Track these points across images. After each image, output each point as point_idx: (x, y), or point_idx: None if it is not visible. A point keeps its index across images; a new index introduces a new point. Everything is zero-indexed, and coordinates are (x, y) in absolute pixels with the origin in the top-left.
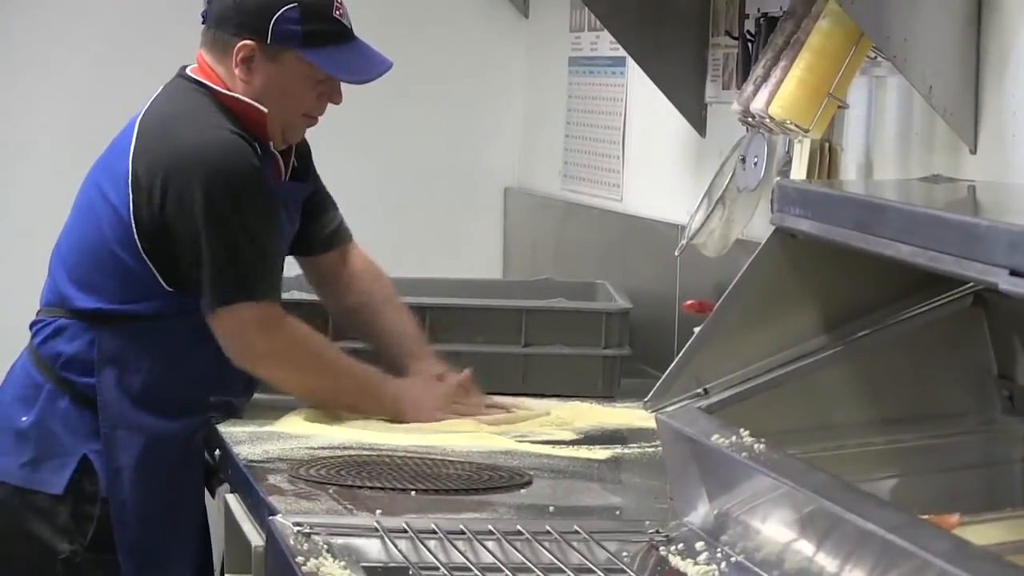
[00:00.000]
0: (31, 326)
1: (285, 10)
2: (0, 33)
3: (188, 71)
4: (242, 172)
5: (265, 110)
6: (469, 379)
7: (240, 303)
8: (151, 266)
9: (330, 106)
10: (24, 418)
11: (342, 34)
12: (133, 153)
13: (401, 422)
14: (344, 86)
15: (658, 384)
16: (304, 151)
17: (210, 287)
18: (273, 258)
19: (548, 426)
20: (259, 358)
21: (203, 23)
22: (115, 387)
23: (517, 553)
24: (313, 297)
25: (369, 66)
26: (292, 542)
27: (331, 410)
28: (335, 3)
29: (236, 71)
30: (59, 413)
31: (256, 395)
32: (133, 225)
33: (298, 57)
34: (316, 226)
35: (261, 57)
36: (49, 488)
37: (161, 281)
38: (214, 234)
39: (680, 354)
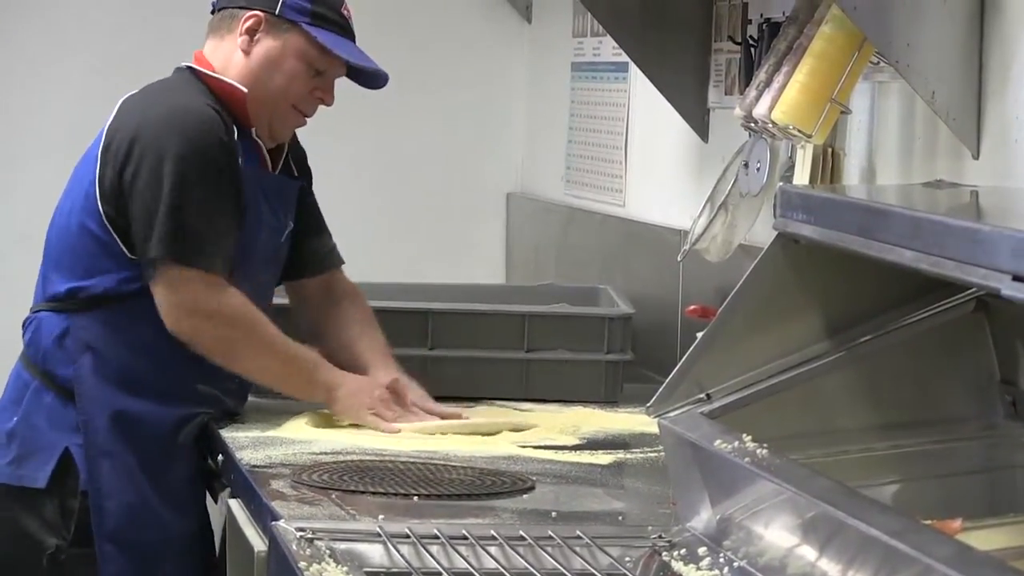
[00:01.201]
0: (22, 325)
1: None
2: (1, 38)
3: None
4: (208, 141)
5: (245, 90)
6: (404, 384)
7: (184, 265)
8: (113, 233)
9: (335, 111)
10: (14, 418)
11: (346, 30)
12: (108, 128)
13: (330, 411)
14: (346, 93)
15: (661, 389)
16: (300, 155)
17: (158, 243)
18: (225, 234)
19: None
20: (189, 315)
21: (212, 13)
22: (92, 373)
23: (520, 558)
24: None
25: (368, 62)
26: (295, 547)
27: (263, 385)
28: (344, 2)
29: (239, 41)
30: (44, 408)
31: (259, 400)
32: (97, 190)
33: (302, 34)
34: (308, 249)
35: (266, 28)
36: (32, 483)
37: (123, 249)
38: (171, 196)
39: (683, 359)
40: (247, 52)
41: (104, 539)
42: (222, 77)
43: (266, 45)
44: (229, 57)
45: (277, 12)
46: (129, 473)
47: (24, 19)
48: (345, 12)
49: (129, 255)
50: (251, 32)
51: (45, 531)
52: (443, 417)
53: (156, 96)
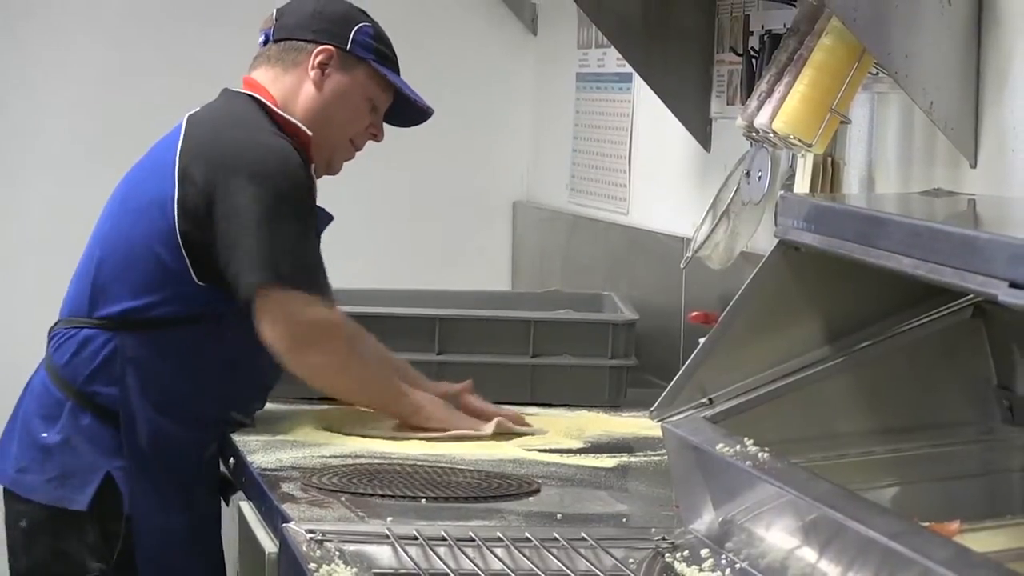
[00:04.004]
0: (51, 337)
1: (363, 24)
2: (14, 45)
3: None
4: (302, 178)
5: (310, 133)
6: (464, 393)
7: (295, 289)
8: (185, 257)
9: None
10: (46, 435)
11: (397, 67)
12: (181, 148)
13: (412, 422)
14: None
15: (664, 394)
16: None
17: (267, 269)
18: (321, 261)
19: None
20: (303, 338)
21: (264, 43)
22: (136, 394)
23: (525, 560)
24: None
25: (421, 102)
26: (305, 549)
27: (347, 406)
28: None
29: (311, 74)
30: (83, 430)
31: (269, 404)
32: (176, 215)
33: (369, 71)
34: None
35: (336, 64)
36: (73, 505)
37: (192, 274)
38: (275, 224)
39: (685, 364)
40: (319, 86)
41: (147, 563)
42: (290, 117)
43: (336, 80)
44: (295, 90)
45: (348, 48)
46: (167, 496)
47: (35, 30)
48: (394, 49)
49: (197, 281)
50: (322, 66)
51: (87, 554)
52: (506, 418)
53: (237, 125)
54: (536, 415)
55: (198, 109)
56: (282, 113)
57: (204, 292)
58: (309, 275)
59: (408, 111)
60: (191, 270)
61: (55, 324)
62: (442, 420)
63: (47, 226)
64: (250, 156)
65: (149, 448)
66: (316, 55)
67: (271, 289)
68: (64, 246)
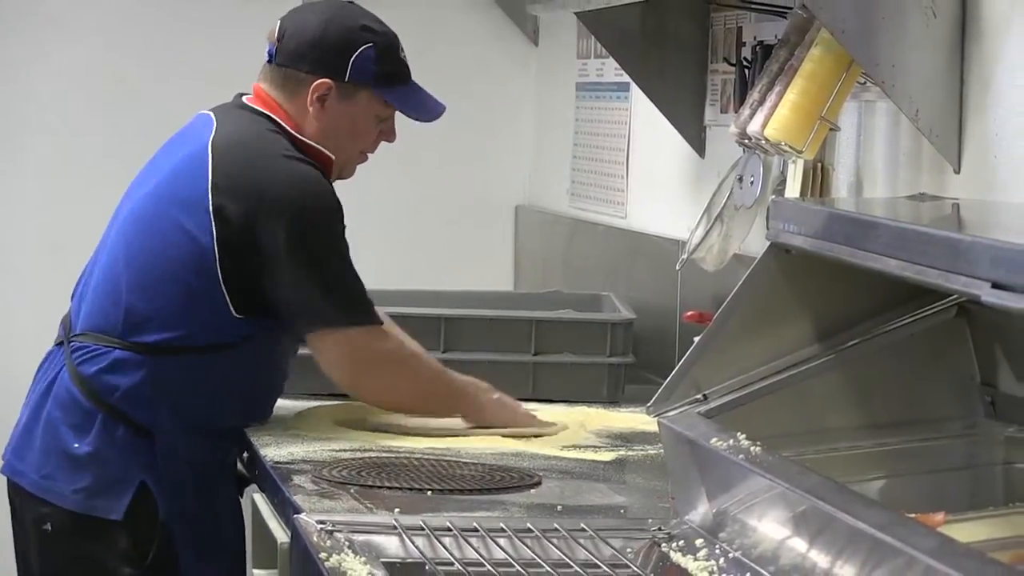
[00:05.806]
0: (75, 347)
1: (363, 49)
2: (17, 46)
3: (246, 100)
4: (334, 204)
5: (333, 157)
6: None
7: (356, 324)
8: (224, 292)
9: None
10: (77, 444)
11: (406, 75)
12: (212, 182)
13: (480, 420)
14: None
15: (660, 390)
16: None
17: (328, 310)
18: (364, 289)
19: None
20: (369, 369)
21: (269, 61)
22: (170, 416)
23: (527, 549)
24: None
25: (431, 105)
26: (316, 539)
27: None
28: (399, 44)
29: (310, 109)
30: (116, 442)
31: (280, 401)
32: (216, 252)
33: (370, 95)
34: None
35: (336, 95)
36: (108, 514)
37: (231, 308)
38: (325, 263)
39: (681, 362)
40: (319, 119)
41: (186, 565)
42: (310, 142)
43: (337, 110)
44: (301, 117)
45: (346, 79)
46: (197, 500)
47: (36, 28)
48: (403, 56)
49: (236, 315)
50: (321, 100)
51: (118, 561)
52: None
53: (266, 156)
54: (537, 411)
55: (216, 132)
56: (303, 139)
57: (240, 323)
58: (359, 306)
59: (430, 103)
60: (230, 305)
61: (77, 334)
62: (504, 420)
63: (67, 228)
64: (283, 190)
65: (183, 462)
66: (314, 91)
67: (328, 329)
68: (68, 250)
